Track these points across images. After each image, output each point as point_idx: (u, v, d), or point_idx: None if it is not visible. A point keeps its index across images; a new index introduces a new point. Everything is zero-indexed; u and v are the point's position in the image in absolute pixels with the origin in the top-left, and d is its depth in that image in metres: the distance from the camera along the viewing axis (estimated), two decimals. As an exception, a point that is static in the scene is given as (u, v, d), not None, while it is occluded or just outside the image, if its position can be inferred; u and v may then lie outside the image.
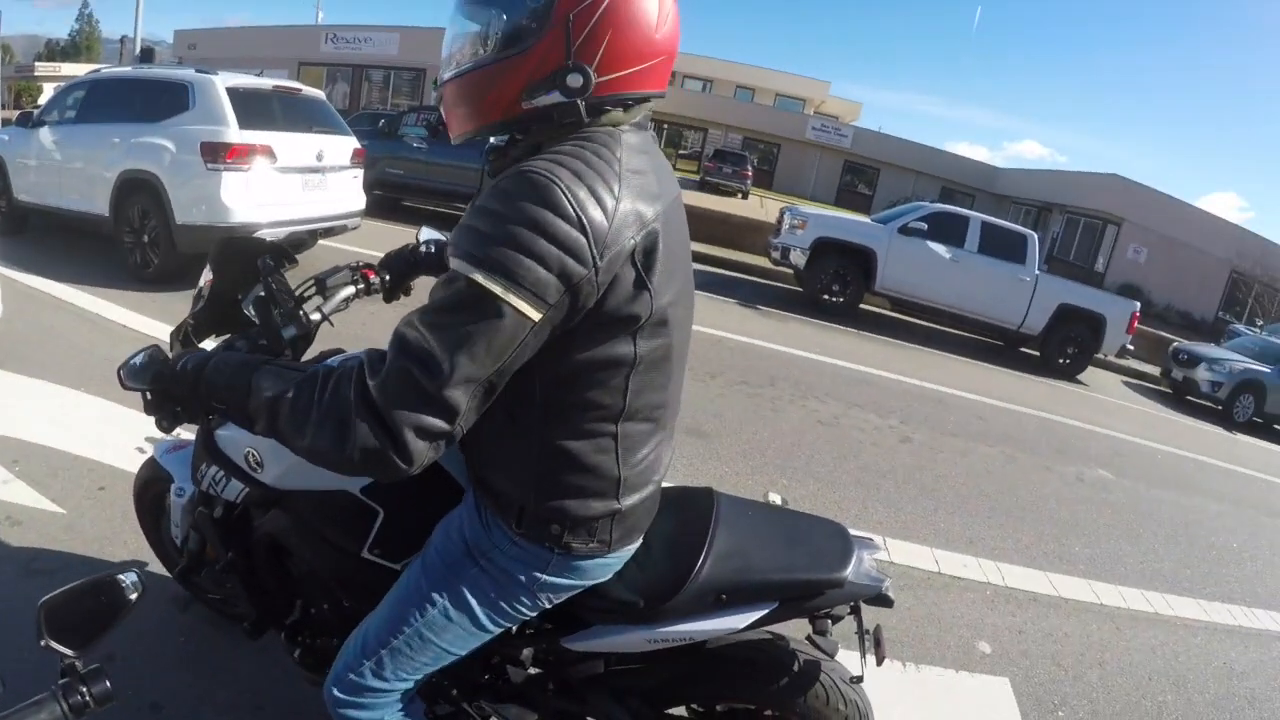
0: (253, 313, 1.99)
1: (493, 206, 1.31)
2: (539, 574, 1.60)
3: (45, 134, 9.06)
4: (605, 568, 1.68)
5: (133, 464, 4.01)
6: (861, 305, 12.82)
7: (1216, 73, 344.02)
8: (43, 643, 1.08)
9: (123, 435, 4.48)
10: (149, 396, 1.77)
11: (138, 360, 1.78)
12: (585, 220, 1.29)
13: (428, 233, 2.57)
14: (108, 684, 1.07)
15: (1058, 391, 11.22)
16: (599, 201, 1.32)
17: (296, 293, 2.13)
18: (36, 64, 69.34)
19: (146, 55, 22.82)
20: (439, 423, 1.31)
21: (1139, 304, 13.34)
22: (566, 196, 1.28)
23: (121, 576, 1.20)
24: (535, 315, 1.28)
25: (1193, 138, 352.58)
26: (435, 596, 1.63)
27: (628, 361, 1.43)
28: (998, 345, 13.29)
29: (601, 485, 1.54)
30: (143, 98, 8.24)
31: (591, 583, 1.69)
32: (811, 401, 7.16)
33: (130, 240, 7.95)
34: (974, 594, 4.25)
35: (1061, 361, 12.63)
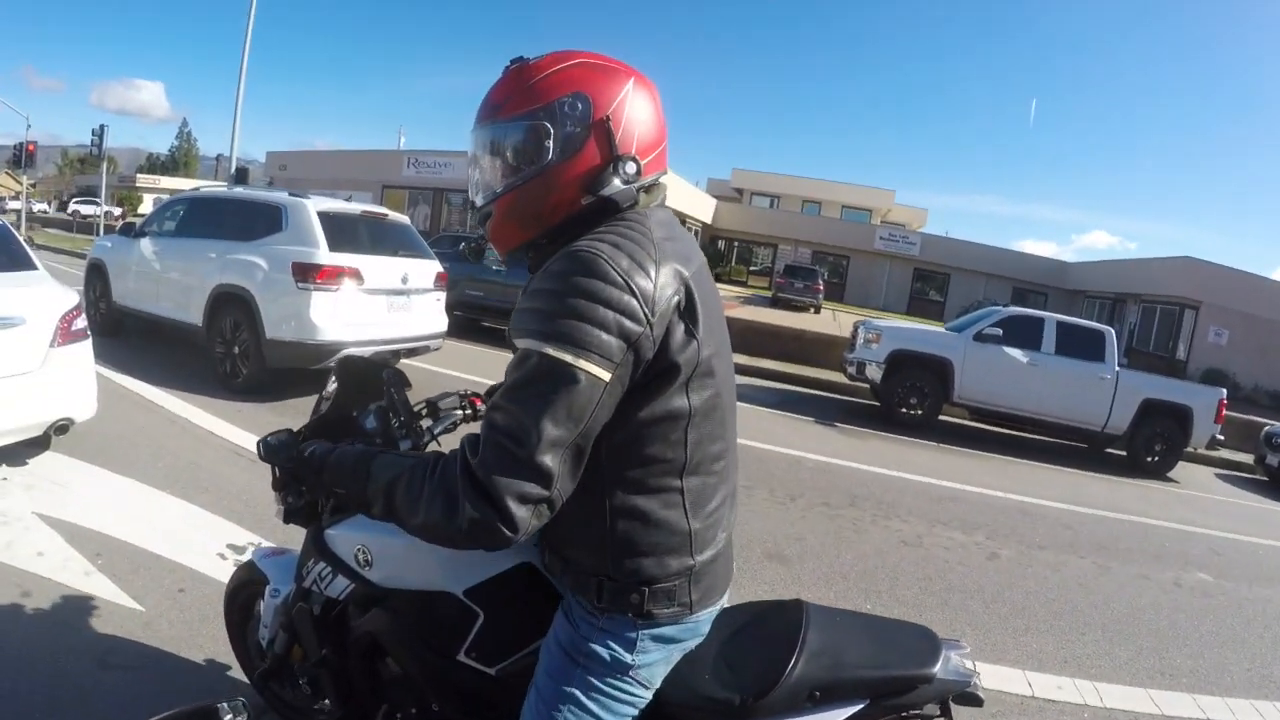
0: (373, 423, 2.18)
1: (548, 286, 1.47)
2: (629, 653, 1.68)
3: (146, 244, 9.78)
4: (691, 633, 1.75)
5: (214, 569, 4.22)
6: (940, 416, 12.69)
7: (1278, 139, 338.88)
8: None
9: (206, 540, 4.68)
10: (278, 473, 2.01)
11: (274, 440, 2.03)
12: (632, 284, 1.45)
13: None
14: None
15: (1148, 492, 10.92)
16: (641, 266, 1.48)
17: (417, 412, 2.33)
18: (138, 175, 73.76)
19: (241, 175, 24.08)
20: (536, 488, 1.43)
21: (1225, 390, 13.02)
22: (612, 265, 1.45)
23: (223, 705, 1.29)
24: (606, 375, 1.43)
25: (1262, 209, 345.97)
26: (555, 712, 1.69)
27: (684, 414, 1.56)
28: (1082, 448, 12.99)
29: (674, 541, 1.63)
30: (239, 217, 8.83)
31: (681, 653, 1.76)
32: (894, 521, 7.11)
33: (221, 350, 8.41)
34: (1070, 717, 4.15)
35: (1150, 460, 12.26)
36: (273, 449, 2.03)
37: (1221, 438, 12.79)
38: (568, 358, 1.40)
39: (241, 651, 3.15)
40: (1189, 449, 12.72)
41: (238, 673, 3.25)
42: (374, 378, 2.30)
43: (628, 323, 1.43)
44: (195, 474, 5.75)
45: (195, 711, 1.27)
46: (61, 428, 5.49)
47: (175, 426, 6.90)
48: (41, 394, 5.27)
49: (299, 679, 2.66)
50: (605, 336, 1.42)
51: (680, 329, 1.51)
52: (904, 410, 12.33)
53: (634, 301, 1.44)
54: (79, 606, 3.83)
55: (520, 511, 1.43)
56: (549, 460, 1.43)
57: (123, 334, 10.10)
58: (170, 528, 4.82)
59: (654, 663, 1.71)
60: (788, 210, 48.06)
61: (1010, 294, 39.42)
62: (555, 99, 1.60)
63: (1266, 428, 14.37)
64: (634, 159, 1.61)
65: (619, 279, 1.44)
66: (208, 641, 3.64)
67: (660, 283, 1.49)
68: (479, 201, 1.75)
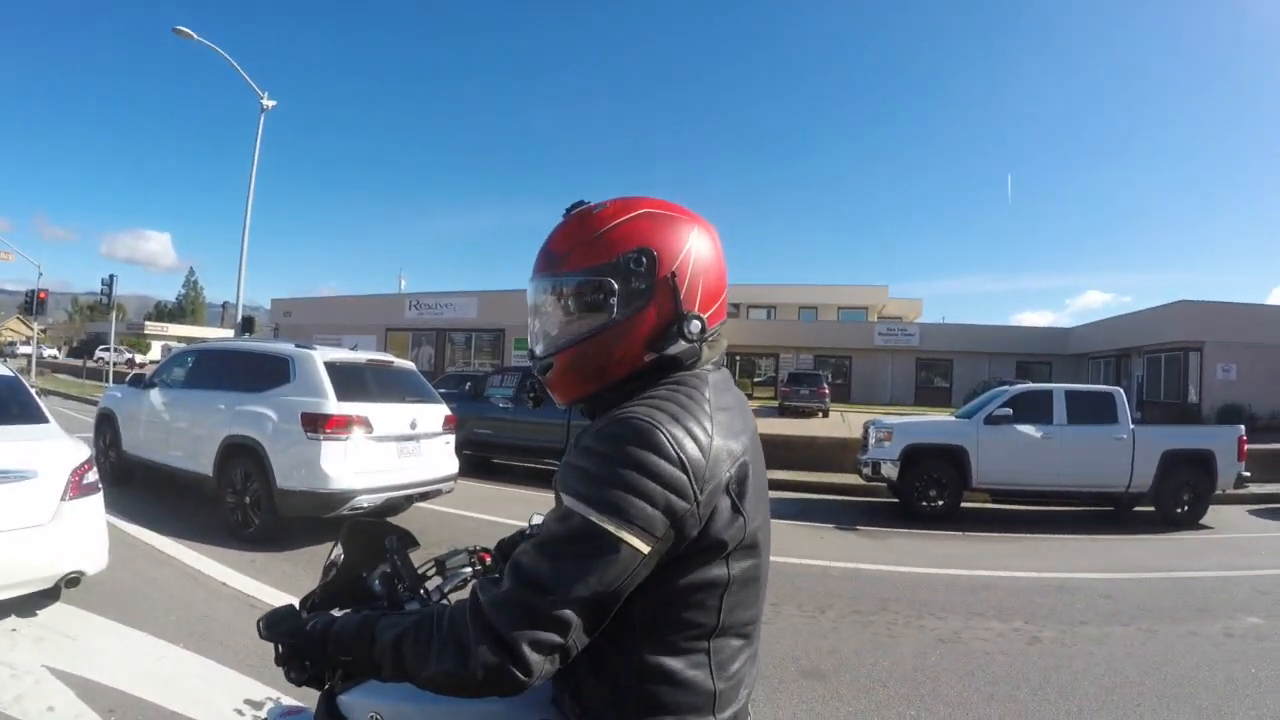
0: (379, 587, 2.17)
1: (601, 449, 1.45)
2: None
3: (155, 394, 10.02)
4: None
5: None
6: (962, 504, 12.57)
7: (1252, 164, 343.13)
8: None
9: (219, 695, 4.62)
10: (280, 650, 1.96)
11: (274, 617, 1.99)
12: (685, 459, 1.41)
13: (539, 519, 2.76)
14: None
15: (1183, 544, 10.76)
16: (695, 441, 1.44)
17: (419, 572, 2.30)
18: (146, 323, 75.51)
19: (247, 323, 24.45)
20: (553, 636, 1.40)
21: (1242, 426, 12.97)
22: (667, 438, 1.41)
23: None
24: (645, 549, 1.40)
25: (1246, 238, 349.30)
26: None
27: (722, 583, 1.53)
28: (1110, 511, 12.85)
29: (698, 700, 1.58)
30: (247, 368, 9.02)
31: None
32: (928, 620, 6.97)
33: (232, 500, 8.45)
34: (1136, 797, 4.00)
35: (1179, 510, 12.13)
36: (272, 627, 2.03)
37: (1247, 474, 12.64)
38: (610, 527, 1.39)
39: None
40: (1217, 492, 12.57)
41: None
42: (379, 540, 2.30)
43: (675, 499, 1.41)
44: (209, 627, 5.69)
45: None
46: (72, 580, 5.52)
47: (188, 578, 6.86)
48: (53, 547, 5.30)
49: None
50: (650, 510, 1.39)
51: (727, 505, 1.49)
52: (924, 504, 12.27)
53: (684, 478, 1.41)
54: None
55: (534, 657, 1.42)
56: (568, 614, 1.42)
57: (133, 483, 10.18)
58: (185, 683, 4.77)
59: None
60: (785, 319, 48.59)
61: (1015, 368, 39.60)
62: (620, 254, 1.59)
63: (1289, 453, 14.20)
64: (698, 316, 1.58)
65: (672, 453, 1.41)
66: None
67: (713, 458, 1.46)
68: (539, 351, 1.74)
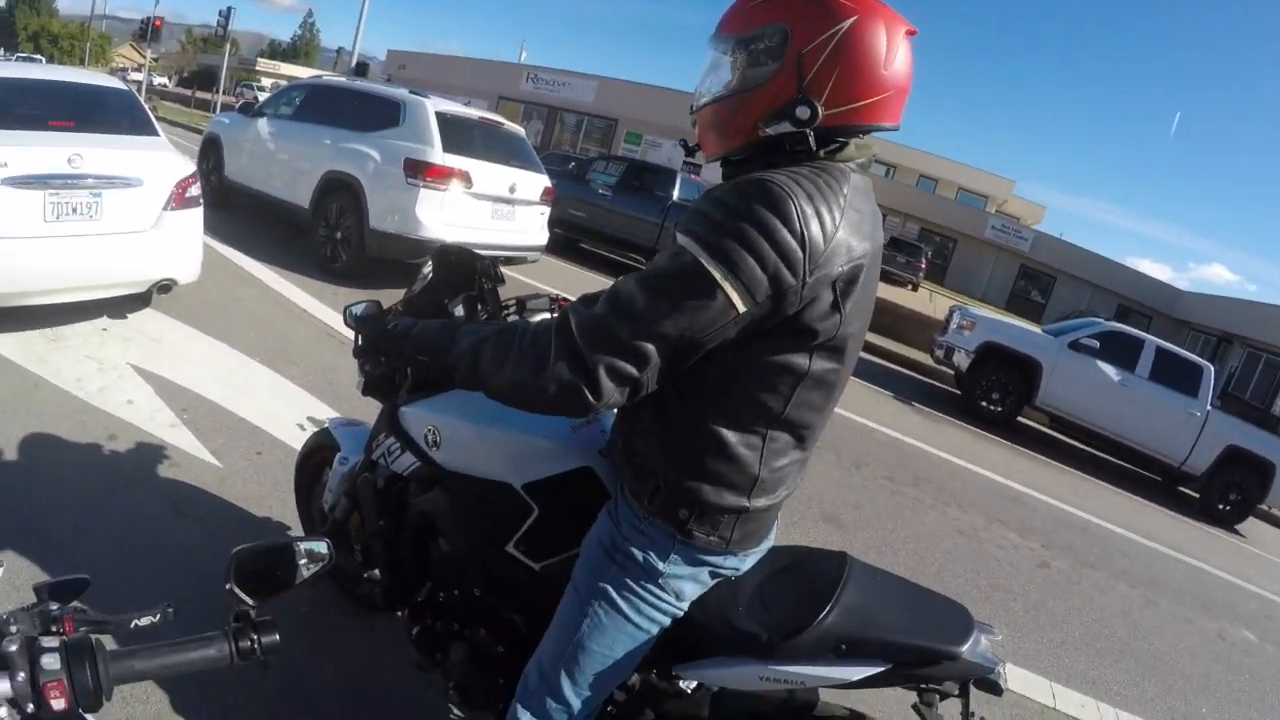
0: (461, 311, 2.27)
1: (730, 201, 1.48)
2: (661, 561, 1.73)
3: (263, 124, 10.02)
4: (724, 566, 1.81)
5: (292, 437, 4.45)
6: (1020, 418, 12.55)
7: None
8: (228, 586, 1.23)
9: (288, 409, 4.92)
10: (360, 341, 2.11)
11: (360, 308, 2.18)
12: (807, 235, 1.45)
13: None
14: (277, 637, 1.18)
15: (1212, 539, 10.71)
16: (821, 223, 1.47)
17: (504, 305, 2.41)
18: (259, 60, 74.67)
19: (361, 69, 24.36)
20: (630, 367, 1.49)
21: None
22: (797, 211, 1.44)
23: (310, 545, 1.40)
24: (741, 307, 1.46)
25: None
26: (588, 606, 1.78)
27: (799, 373, 1.58)
28: (1155, 480, 12.74)
29: (739, 479, 1.67)
30: (357, 108, 9.02)
31: (713, 576, 1.81)
32: (953, 509, 7.15)
33: (324, 234, 8.68)
34: (1088, 737, 4.21)
35: (1221, 507, 11.91)
36: (359, 317, 2.15)
37: (1302, 502, 12.39)
38: (716, 274, 1.43)
39: (305, 513, 3.37)
40: (1263, 506, 12.41)
41: (299, 533, 3.44)
42: (468, 267, 2.37)
43: (784, 270, 1.44)
44: (285, 346, 6.01)
45: (280, 546, 1.37)
46: (165, 287, 5.77)
47: (271, 300, 7.19)
48: (151, 253, 5.52)
49: (354, 546, 2.82)
50: (759, 273, 1.43)
51: (829, 299, 1.51)
52: (984, 404, 12.20)
53: (800, 254, 1.44)
54: (160, 456, 4.06)
55: (608, 384, 1.49)
56: (649, 348, 1.48)
57: (231, 208, 10.39)
58: (255, 394, 5.08)
59: (683, 577, 1.76)
60: (902, 183, 46.69)
61: (1115, 310, 38.22)
62: (756, 27, 1.59)
63: (1346, 506, 13.91)
64: (810, 103, 1.54)
65: (797, 225, 1.43)
66: (276, 504, 3.86)
67: (832, 248, 1.48)
68: (694, 105, 1.78)
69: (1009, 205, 51.85)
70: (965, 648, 1.74)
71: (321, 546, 1.39)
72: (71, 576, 1.17)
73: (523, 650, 2.02)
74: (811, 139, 1.58)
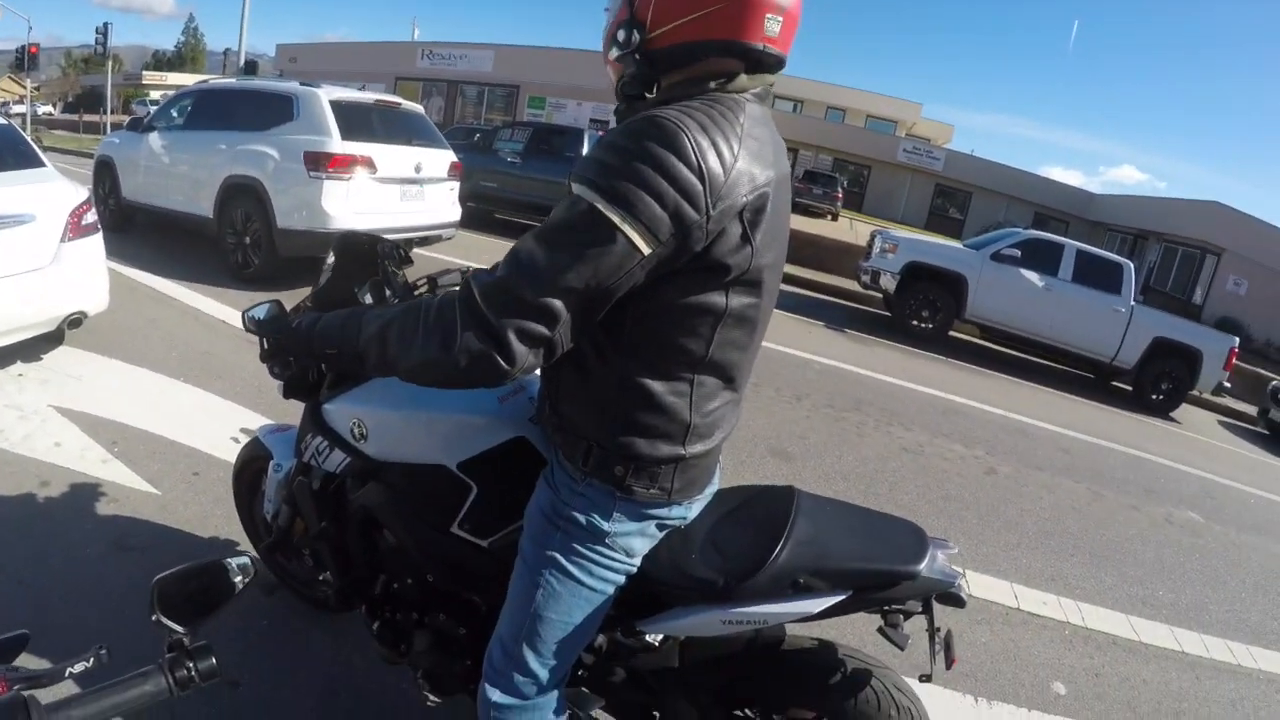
0: (368, 298, 2.17)
1: (621, 143, 1.42)
2: (605, 521, 1.69)
3: (155, 139, 9.63)
4: (670, 517, 1.77)
5: (227, 453, 4.32)
6: (951, 332, 12.70)
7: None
8: (154, 617, 1.16)
9: (219, 425, 4.76)
10: (266, 345, 2.02)
11: (260, 311, 2.06)
12: (705, 169, 1.38)
13: None
14: (214, 661, 1.13)
15: (1149, 428, 10.98)
16: (719, 154, 1.41)
17: (413, 286, 2.33)
18: (144, 73, 72.35)
19: (250, 68, 23.81)
20: (539, 327, 1.42)
21: (1237, 339, 12.91)
22: (690, 143, 1.38)
23: (231, 561, 1.33)
24: (646, 249, 1.39)
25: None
26: (539, 576, 1.73)
27: (717, 312, 1.52)
28: (1089, 378, 13.03)
29: (671, 428, 1.63)
30: (249, 108, 8.71)
31: (660, 529, 1.77)
32: (897, 428, 7.19)
33: (232, 241, 8.40)
34: (1052, 632, 4.26)
35: (1155, 397, 12.30)
36: (260, 320, 2.04)
37: (1228, 385, 12.77)
38: (615, 218, 1.37)
39: (249, 526, 3.26)
40: (1194, 392, 12.78)
41: (247, 548, 3.34)
42: (371, 252, 2.30)
43: (686, 207, 1.38)
44: (208, 362, 5.80)
45: (204, 567, 1.29)
46: (75, 321, 5.49)
47: (188, 317, 6.93)
48: (54, 289, 5.24)
49: (303, 551, 2.73)
50: (658, 210, 1.37)
51: (738, 231, 1.46)
52: (915, 322, 12.36)
53: (700, 187, 1.39)
54: (96, 494, 3.89)
55: (519, 347, 1.43)
56: (557, 304, 1.41)
57: (134, 229, 10.03)
58: (185, 414, 4.89)
59: (630, 533, 1.73)
60: (810, 116, 46.71)
61: (1032, 219, 38.83)
62: None
63: (1274, 382, 14.34)
64: (633, 24, 1.55)
65: (693, 159, 1.38)
66: (221, 521, 3.72)
67: (733, 178, 1.43)
68: None
69: (918, 128, 52.40)
70: (922, 565, 1.73)
71: (245, 560, 1.33)
72: (8, 635, 1.11)
73: (485, 629, 1.97)
74: (636, 62, 1.58)
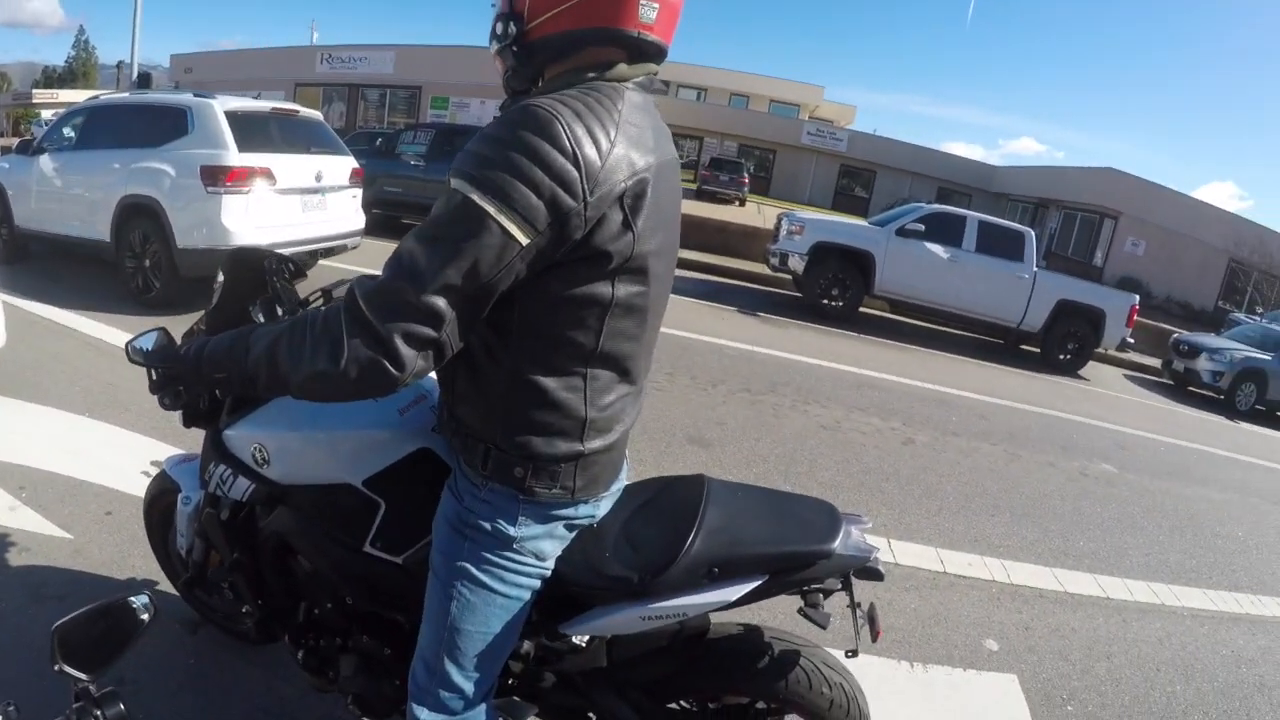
0: (260, 317, 2.07)
1: (495, 133, 1.39)
2: (511, 526, 1.65)
3: (45, 161, 9.16)
4: (578, 517, 1.73)
5: (139, 488, 4.09)
6: (861, 309, 12.85)
7: (1212, 60, 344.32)
8: (56, 667, 1.09)
9: (129, 460, 4.54)
10: (154, 376, 1.91)
11: (144, 341, 1.96)
12: (580, 156, 1.36)
13: None
14: (122, 707, 1.08)
15: (1059, 387, 11.24)
16: (595, 141, 1.38)
17: (306, 300, 2.23)
18: (34, 91, 69.99)
19: (144, 80, 23.17)
20: (425, 329, 1.37)
21: (1138, 297, 13.36)
22: (565, 131, 1.35)
23: (133, 599, 1.24)
24: (524, 239, 1.35)
25: (1188, 128, 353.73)
26: (452, 588, 1.68)
27: (604, 302, 1.49)
28: (998, 344, 13.31)
29: (567, 424, 1.59)
30: (142, 123, 8.34)
31: (569, 529, 1.74)
32: (813, 407, 7.20)
33: (132, 265, 8.02)
34: (980, 592, 4.28)
35: (1062, 357, 12.67)
36: (143, 351, 1.92)
37: (1131, 341, 13.19)
38: (490, 209, 1.34)
39: (165, 563, 3.12)
40: (1100, 350, 13.16)
41: (167, 586, 3.19)
42: (261, 267, 2.20)
43: (561, 193, 1.35)
44: (114, 394, 5.55)
45: (105, 609, 1.19)
46: None
47: (90, 348, 6.63)
48: None
49: (222, 585, 2.62)
50: (534, 199, 1.34)
51: (618, 219, 1.43)
52: (825, 301, 12.47)
53: (575, 174, 1.36)
54: (6, 544, 3.69)
55: (407, 351, 1.38)
56: (440, 303, 1.37)
57: (29, 259, 9.58)
58: (93, 452, 4.66)
59: (538, 536, 1.69)
60: (714, 103, 47.10)
61: (935, 194, 39.60)
62: None
63: (1174, 335, 14.90)
64: (505, 17, 1.55)
65: (567, 146, 1.35)
66: (139, 560, 3.54)
67: (610, 164, 1.40)
68: None
69: (821, 110, 53.18)
70: (836, 543, 1.72)
71: (146, 597, 1.22)
72: None
73: (410, 648, 1.91)
74: (514, 55, 1.58)
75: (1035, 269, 12.50)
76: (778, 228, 13.29)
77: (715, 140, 43.10)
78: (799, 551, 1.73)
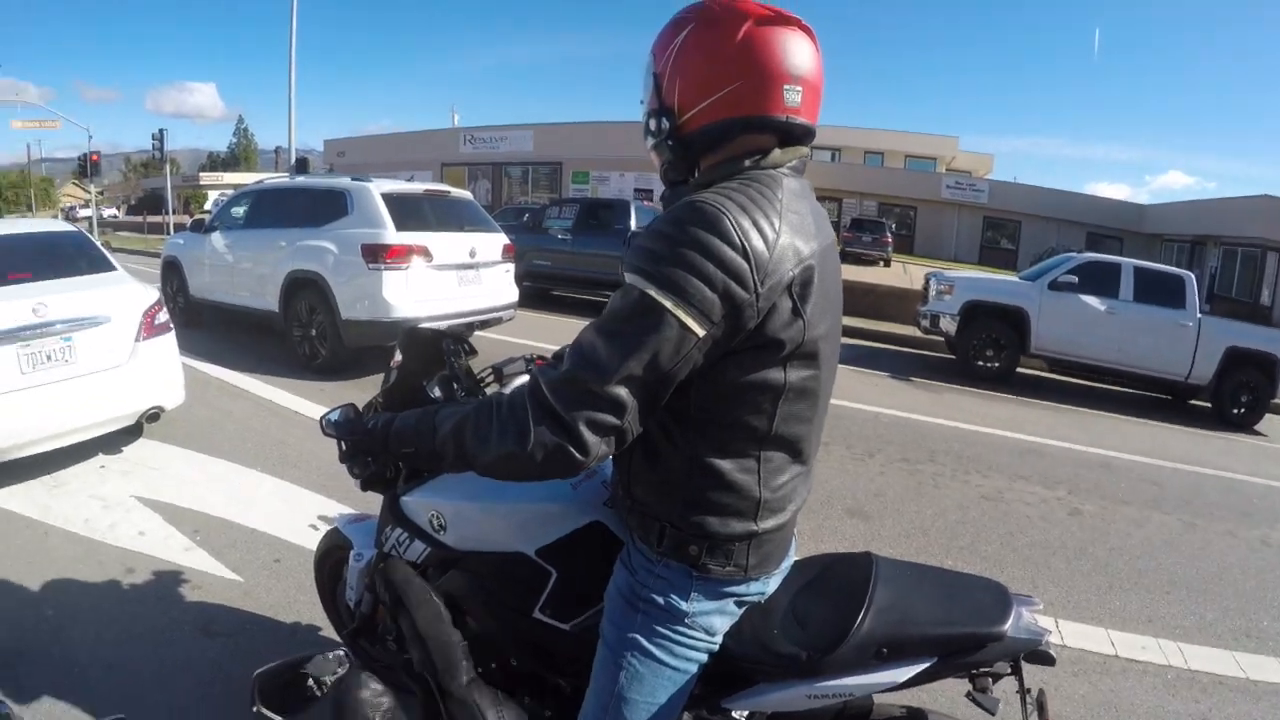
0: (437, 393, 2.26)
1: (666, 230, 1.49)
2: (684, 601, 1.71)
3: (217, 238, 10.17)
4: (748, 594, 1.78)
5: (306, 539, 4.44)
6: (1018, 369, 12.51)
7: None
8: (255, 709, 1.22)
9: (297, 513, 4.93)
10: (344, 446, 2.09)
11: (336, 415, 2.15)
12: (749, 248, 1.45)
13: None
14: None
15: (1235, 445, 10.65)
16: (761, 233, 1.47)
17: (478, 378, 2.43)
18: (201, 174, 75.10)
19: (301, 165, 24.53)
20: (609, 417, 1.48)
21: None
22: (733, 225, 1.44)
23: (329, 654, 1.38)
24: (700, 331, 1.45)
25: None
26: (621, 658, 1.75)
27: (777, 388, 1.57)
28: (1165, 400, 12.72)
29: (742, 505, 1.66)
30: (305, 205, 9.11)
31: (739, 605, 1.79)
32: (974, 476, 7.10)
33: (299, 334, 8.73)
34: (1154, 678, 4.13)
35: (1236, 411, 11.87)
36: (336, 424, 2.13)
37: (1313, 390, 12.30)
38: (668, 304, 1.43)
39: (333, 613, 3.35)
40: (1277, 400, 12.28)
41: (330, 633, 3.43)
42: (437, 346, 2.38)
43: (735, 287, 1.44)
44: (283, 451, 6.03)
45: (300, 660, 1.35)
46: (153, 416, 5.85)
47: (262, 409, 7.21)
48: (132, 386, 5.61)
49: (386, 637, 2.80)
50: (709, 293, 1.43)
51: (788, 306, 1.51)
52: (980, 363, 12.20)
53: (746, 266, 1.44)
54: (180, 581, 4.06)
55: (591, 438, 1.48)
56: (623, 393, 1.46)
57: (203, 325, 10.49)
58: (262, 503, 5.11)
59: (709, 612, 1.74)
60: (849, 163, 46.98)
61: (1085, 240, 38.28)
62: (648, 58, 1.71)
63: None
64: (663, 113, 1.65)
65: (736, 239, 1.44)
66: (304, 607, 3.83)
67: (777, 254, 1.48)
68: None
69: (958, 161, 52.24)
70: (1008, 625, 1.72)
71: (340, 652, 1.38)
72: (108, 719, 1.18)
73: (570, 712, 1.99)
74: (670, 148, 1.68)
75: (1199, 315, 11.88)
76: (926, 288, 13.13)
77: (854, 200, 42.68)
78: (971, 633, 1.73)
